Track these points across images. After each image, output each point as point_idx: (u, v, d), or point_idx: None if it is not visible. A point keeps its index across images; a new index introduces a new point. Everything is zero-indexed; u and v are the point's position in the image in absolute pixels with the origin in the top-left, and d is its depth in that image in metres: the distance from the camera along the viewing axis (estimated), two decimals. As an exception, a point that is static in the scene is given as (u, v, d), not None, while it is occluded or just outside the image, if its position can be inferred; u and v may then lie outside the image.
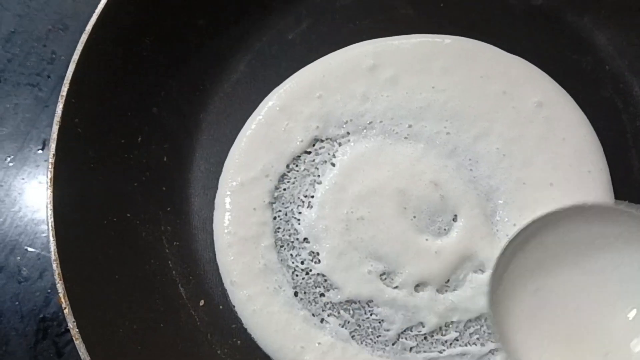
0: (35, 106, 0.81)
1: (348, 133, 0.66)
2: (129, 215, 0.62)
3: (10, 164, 0.79)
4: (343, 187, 0.64)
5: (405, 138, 0.66)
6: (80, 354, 0.51)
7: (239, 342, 0.62)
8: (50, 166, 0.55)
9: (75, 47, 0.81)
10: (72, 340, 0.71)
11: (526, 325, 0.59)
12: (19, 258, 0.76)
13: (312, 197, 0.64)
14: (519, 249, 0.60)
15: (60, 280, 0.52)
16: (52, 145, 0.55)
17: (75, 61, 0.56)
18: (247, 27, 0.69)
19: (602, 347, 0.58)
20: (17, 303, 0.75)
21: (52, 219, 0.54)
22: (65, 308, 0.52)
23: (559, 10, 0.68)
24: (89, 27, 0.57)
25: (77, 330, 0.51)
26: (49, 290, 0.75)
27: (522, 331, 0.59)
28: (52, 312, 0.74)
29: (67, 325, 0.72)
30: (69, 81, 0.56)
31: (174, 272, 0.63)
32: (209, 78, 0.68)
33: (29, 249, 0.76)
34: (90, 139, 0.59)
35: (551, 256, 0.60)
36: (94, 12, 0.59)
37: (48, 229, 0.53)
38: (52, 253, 0.53)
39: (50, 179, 0.54)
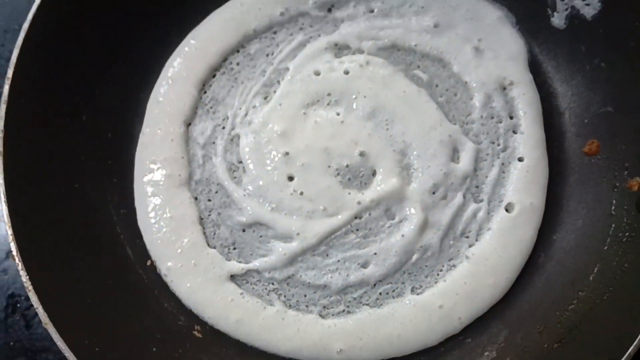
0: (-4, 100, 0.87)
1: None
2: (77, 185, 0.68)
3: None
4: (272, 149, 0.71)
5: (328, 104, 0.72)
6: (33, 303, 0.57)
7: (183, 295, 0.69)
8: (0, 141, 0.61)
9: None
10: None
11: None
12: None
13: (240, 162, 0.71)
14: None
15: (13, 240, 0.59)
16: (0, 123, 0.61)
17: (19, 46, 0.62)
18: (182, 12, 0.76)
19: None
20: (-14, 282, 0.81)
21: (4, 187, 0.60)
22: (18, 264, 0.58)
23: None
24: (29, 16, 0.63)
25: (30, 283, 0.57)
26: (16, 268, 0.81)
27: None
28: (20, 287, 0.80)
29: (34, 299, 0.79)
30: (13, 64, 0.62)
31: (121, 236, 0.70)
32: (147, 61, 0.74)
33: (-6, 231, 0.82)
34: (37, 119, 0.65)
35: None
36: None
37: (1, 195, 0.60)
38: (5, 216, 0.59)
39: (1, 152, 0.60)
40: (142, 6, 0.73)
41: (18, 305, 0.80)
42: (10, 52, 0.89)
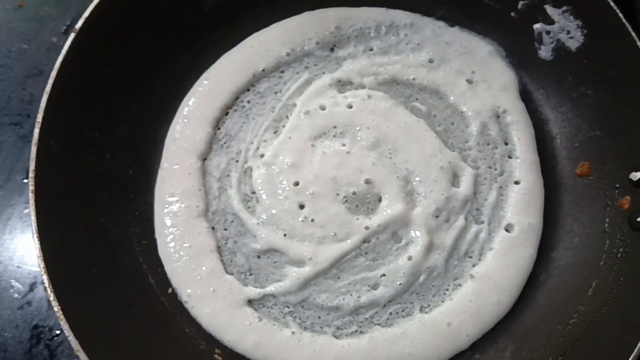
0: (19, 142, 0.92)
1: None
2: (102, 220, 0.72)
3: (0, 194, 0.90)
4: (283, 179, 0.75)
5: (334, 136, 0.77)
6: (65, 331, 0.61)
7: (204, 321, 0.72)
8: (31, 180, 0.65)
9: (50, 88, 0.94)
10: (63, 342, 0.83)
11: None
12: (11, 274, 0.86)
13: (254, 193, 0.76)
14: None
15: (45, 273, 0.62)
16: (32, 164, 0.66)
17: (48, 92, 0.67)
18: (195, 55, 0.81)
19: None
20: (11, 314, 0.84)
21: (36, 224, 0.64)
22: (50, 295, 0.62)
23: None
24: (57, 65, 0.69)
25: (62, 312, 0.61)
26: (39, 300, 0.85)
27: None
28: (44, 319, 0.84)
29: (57, 330, 0.83)
30: (42, 109, 0.67)
31: (144, 266, 0.74)
32: (164, 101, 0.80)
33: (20, 265, 0.86)
34: (64, 158, 0.70)
35: None
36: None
37: (32, 231, 0.64)
38: (37, 250, 0.63)
39: (32, 191, 0.65)
40: (158, 50, 0.78)
41: (42, 335, 0.83)
42: (31, 95, 0.96)
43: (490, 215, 0.75)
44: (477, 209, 0.75)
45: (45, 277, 0.62)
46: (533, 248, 0.73)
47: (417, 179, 0.75)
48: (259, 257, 0.74)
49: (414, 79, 0.79)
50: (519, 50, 0.80)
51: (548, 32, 0.77)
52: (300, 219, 0.73)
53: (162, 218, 0.75)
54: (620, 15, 0.70)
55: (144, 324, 0.69)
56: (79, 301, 0.65)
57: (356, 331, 0.71)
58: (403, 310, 0.72)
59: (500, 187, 0.76)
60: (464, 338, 0.70)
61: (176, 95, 0.80)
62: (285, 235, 0.73)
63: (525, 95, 0.80)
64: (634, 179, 0.69)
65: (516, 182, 0.76)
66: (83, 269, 0.68)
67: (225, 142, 0.79)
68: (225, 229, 0.75)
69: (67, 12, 1.00)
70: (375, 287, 0.72)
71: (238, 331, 0.70)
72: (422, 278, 0.72)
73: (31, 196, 0.65)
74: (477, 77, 0.79)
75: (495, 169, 0.77)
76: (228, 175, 0.77)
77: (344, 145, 0.76)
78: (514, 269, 0.73)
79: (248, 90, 0.80)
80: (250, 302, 0.72)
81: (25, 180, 0.90)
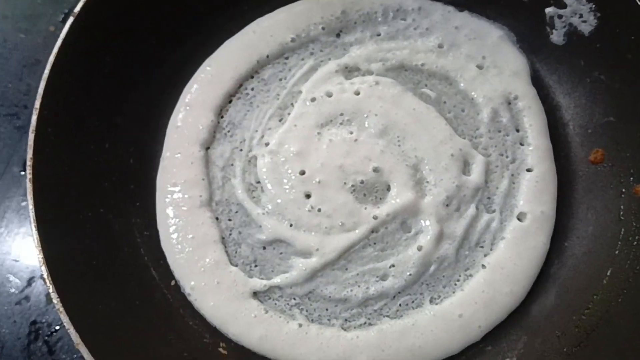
0: (15, 133, 0.90)
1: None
2: (102, 210, 0.70)
3: (-4, 186, 0.87)
4: (289, 168, 0.73)
5: (341, 124, 0.75)
6: (65, 324, 0.58)
7: (208, 314, 0.70)
8: (29, 169, 0.63)
9: (47, 77, 0.92)
10: (62, 338, 0.80)
11: None
12: (8, 269, 0.84)
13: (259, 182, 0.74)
14: None
15: (43, 264, 0.60)
16: (29, 152, 0.63)
17: (45, 79, 0.65)
18: (197, 42, 0.79)
19: None
20: (8, 309, 0.82)
21: (34, 214, 0.62)
22: (49, 287, 0.60)
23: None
24: (55, 50, 0.66)
25: (61, 304, 0.59)
26: (38, 295, 0.82)
27: None
28: (42, 314, 0.82)
29: (56, 326, 0.81)
30: (40, 95, 0.65)
31: (146, 257, 0.72)
32: (166, 88, 0.77)
33: (18, 259, 0.84)
34: (63, 146, 0.68)
35: None
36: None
37: (30, 221, 0.62)
38: (35, 240, 0.61)
39: (30, 180, 0.63)
40: (159, 36, 0.76)
41: (40, 331, 0.81)
42: (28, 85, 0.94)
43: (502, 204, 0.73)
44: (488, 198, 0.73)
45: (44, 269, 0.60)
46: (546, 237, 0.71)
47: (427, 167, 0.73)
48: (264, 248, 0.72)
49: (422, 65, 0.77)
50: (530, 34, 0.78)
51: (560, 16, 0.75)
52: (306, 209, 0.71)
53: (164, 208, 0.73)
54: (635, -3, 0.68)
55: (146, 317, 0.67)
56: (79, 294, 0.62)
57: (365, 323, 0.69)
58: (413, 302, 0.70)
59: (512, 175, 0.74)
60: (476, 329, 0.68)
61: (178, 83, 0.78)
62: (291, 225, 0.71)
63: (536, 81, 0.77)
64: (650, 165, 0.68)
65: (528, 170, 0.74)
66: (83, 261, 0.66)
67: (229, 131, 0.76)
68: (230, 220, 0.73)
69: (64, 1, 0.97)
70: (384, 278, 0.70)
71: (243, 324, 0.68)
72: (432, 268, 0.70)
73: (29, 185, 0.62)
74: (488, 62, 0.77)
75: (507, 157, 0.75)
76: (232, 165, 0.75)
77: (351, 132, 0.74)
78: (527, 258, 0.71)
79: (252, 77, 0.78)
80: (255, 294, 0.70)
81: (23, 173, 0.88)
